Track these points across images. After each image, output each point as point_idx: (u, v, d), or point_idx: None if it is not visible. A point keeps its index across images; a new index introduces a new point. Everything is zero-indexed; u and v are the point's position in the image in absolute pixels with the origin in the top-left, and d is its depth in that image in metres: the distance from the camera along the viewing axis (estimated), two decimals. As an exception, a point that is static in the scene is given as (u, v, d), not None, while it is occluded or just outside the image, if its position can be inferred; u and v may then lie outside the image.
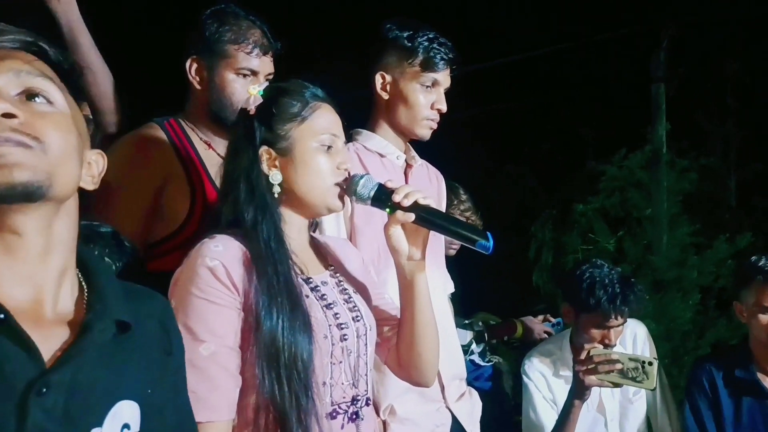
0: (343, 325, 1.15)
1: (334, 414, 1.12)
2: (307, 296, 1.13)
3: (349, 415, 1.14)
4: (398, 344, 1.29)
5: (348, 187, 1.19)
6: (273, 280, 1.07)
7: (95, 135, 1.63)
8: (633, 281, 2.09)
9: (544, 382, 2.19)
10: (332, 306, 1.16)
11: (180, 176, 1.56)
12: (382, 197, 1.18)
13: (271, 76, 1.65)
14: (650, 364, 1.86)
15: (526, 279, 4.95)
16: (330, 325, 1.13)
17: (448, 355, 1.72)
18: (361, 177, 1.19)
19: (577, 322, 2.14)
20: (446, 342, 1.72)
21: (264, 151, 1.16)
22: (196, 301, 1.05)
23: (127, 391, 0.75)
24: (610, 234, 4.54)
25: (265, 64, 1.64)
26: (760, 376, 2.08)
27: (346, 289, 1.24)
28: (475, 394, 1.85)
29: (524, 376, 2.22)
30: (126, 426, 0.73)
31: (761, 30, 4.93)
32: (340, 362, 1.14)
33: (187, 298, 1.06)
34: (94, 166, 0.82)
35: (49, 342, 0.71)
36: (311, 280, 1.18)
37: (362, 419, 1.17)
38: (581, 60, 5.57)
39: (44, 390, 0.66)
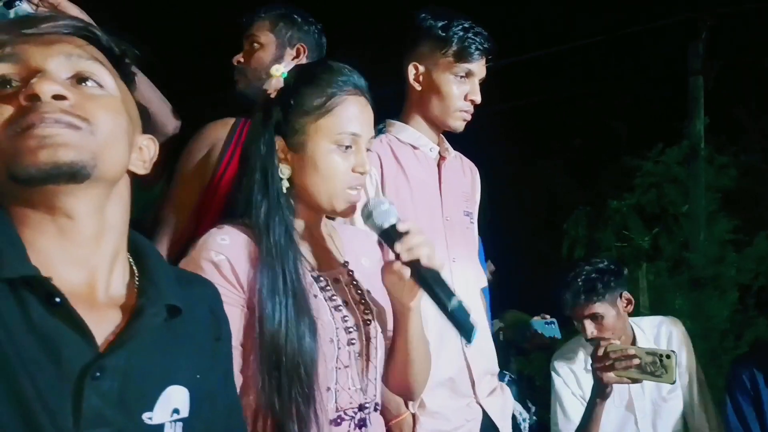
0: (351, 329, 1.09)
1: (339, 420, 1.06)
2: (316, 296, 1.07)
3: (356, 422, 1.08)
4: (388, 361, 1.20)
5: (364, 207, 1.09)
6: (279, 282, 1.01)
7: (157, 137, 1.67)
8: (591, 273, 2.09)
9: (573, 378, 2.16)
10: (341, 308, 1.09)
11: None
12: (391, 237, 1.06)
13: None
14: (668, 357, 1.79)
15: (558, 276, 4.89)
16: (337, 328, 1.07)
17: (479, 350, 1.69)
18: (382, 204, 1.08)
19: None
20: (478, 338, 1.72)
21: (276, 141, 1.09)
22: None
23: (178, 376, 0.75)
24: (646, 231, 4.47)
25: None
26: (803, 376, 2.02)
27: (360, 289, 1.16)
28: (507, 389, 1.83)
29: (553, 372, 2.19)
30: (176, 410, 0.74)
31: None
32: (347, 367, 1.08)
33: None
34: (146, 151, 0.82)
35: (102, 326, 0.71)
36: (321, 278, 1.10)
37: (370, 426, 1.11)
38: (615, 52, 5.47)
39: (98, 374, 0.67)
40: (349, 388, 1.08)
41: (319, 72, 1.11)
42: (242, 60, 1.74)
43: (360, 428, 1.09)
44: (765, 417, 2.03)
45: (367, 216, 1.08)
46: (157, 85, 1.63)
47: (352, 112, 1.09)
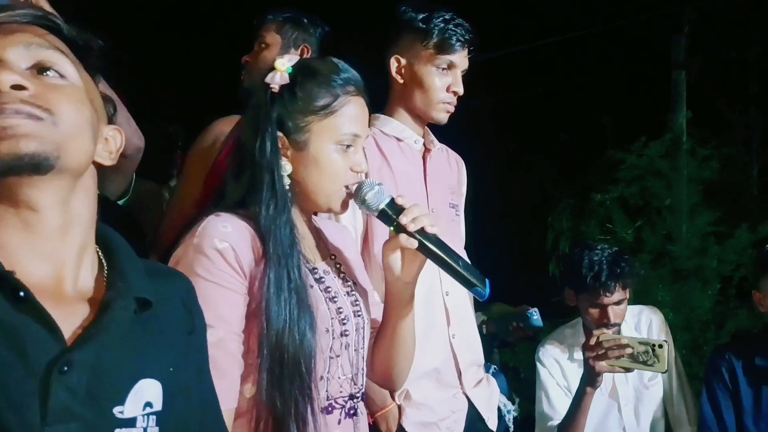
0: (344, 320, 1.12)
1: (330, 408, 1.09)
2: (312, 286, 1.10)
3: (346, 411, 1.12)
4: (374, 350, 1.24)
5: (356, 193, 1.12)
6: (284, 282, 1.04)
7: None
8: (625, 257, 2.08)
9: (558, 369, 2.18)
10: (335, 299, 1.13)
11: None
12: (390, 213, 1.10)
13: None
14: (660, 346, 1.83)
15: (543, 269, 4.93)
16: (332, 319, 1.10)
17: (465, 341, 1.72)
18: (373, 187, 1.12)
19: (578, 305, 2.14)
20: (464, 329, 1.73)
21: (278, 137, 1.10)
22: (204, 283, 1.00)
23: (150, 370, 0.74)
24: (629, 223, 4.50)
25: None
26: (780, 365, 2.05)
27: (347, 280, 1.20)
28: (493, 381, 1.85)
29: (538, 363, 2.21)
30: (148, 404, 0.74)
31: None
32: (338, 356, 1.11)
33: (193, 280, 0.98)
34: (112, 142, 0.81)
35: (70, 320, 0.70)
36: (316, 270, 1.14)
37: (360, 415, 1.15)
38: (601, 47, 5.50)
39: (66, 368, 0.66)
40: (339, 377, 1.11)
41: (325, 70, 1.12)
42: (249, 59, 1.85)
43: (350, 417, 1.12)
44: (742, 406, 2.06)
45: (362, 201, 1.11)
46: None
47: (354, 113, 1.12)
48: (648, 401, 2.18)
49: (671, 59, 4.80)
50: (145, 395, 0.74)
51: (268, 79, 1.11)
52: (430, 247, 1.09)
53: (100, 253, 0.80)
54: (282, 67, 1.11)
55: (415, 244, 1.08)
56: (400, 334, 1.19)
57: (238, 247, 1.04)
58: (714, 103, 5.45)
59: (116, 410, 0.71)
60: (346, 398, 1.12)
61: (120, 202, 1.85)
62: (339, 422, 1.10)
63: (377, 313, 1.25)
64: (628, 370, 1.91)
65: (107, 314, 0.72)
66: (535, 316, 2.79)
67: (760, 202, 5.33)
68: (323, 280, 1.14)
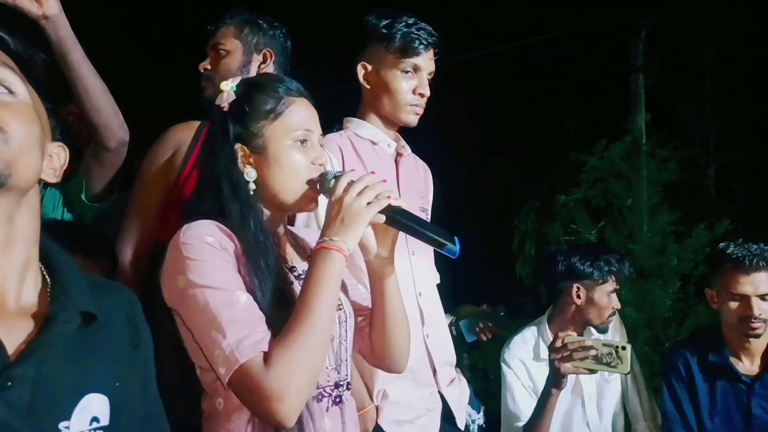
0: None
1: (320, 397, 1.16)
2: (292, 284, 1.16)
3: (333, 398, 1.18)
4: (371, 334, 1.30)
5: (321, 185, 1.18)
6: (264, 271, 1.10)
7: (100, 151, 1.68)
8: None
9: (524, 370, 2.21)
10: None
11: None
12: None
13: None
14: (623, 348, 1.88)
15: (510, 270, 4.99)
16: None
17: (437, 341, 1.75)
18: (335, 175, 1.18)
19: (590, 300, 2.21)
20: (437, 329, 1.77)
21: (238, 148, 1.17)
22: (209, 265, 1.06)
23: (95, 384, 0.74)
24: (592, 224, 4.60)
25: None
26: (732, 360, 2.11)
27: None
28: (464, 380, 1.88)
29: (503, 365, 2.24)
30: (95, 419, 0.73)
31: (737, 19, 4.99)
32: None
33: (198, 266, 1.05)
34: (56, 159, 0.81)
35: (13, 335, 0.70)
36: (294, 268, 1.20)
37: (345, 402, 1.21)
38: (562, 51, 5.61)
39: (8, 384, 0.66)
40: (326, 367, 1.17)
41: (266, 81, 1.23)
42: (209, 67, 1.77)
43: (337, 404, 1.19)
44: (698, 401, 2.12)
45: (327, 190, 1.17)
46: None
47: (301, 111, 1.20)
48: (609, 396, 2.23)
49: (629, 63, 4.92)
50: (92, 410, 0.73)
51: (217, 102, 1.21)
52: (397, 218, 1.16)
53: (43, 269, 0.80)
54: (227, 88, 1.21)
55: (382, 218, 1.15)
56: (390, 311, 1.25)
57: (222, 244, 1.09)
58: (672, 105, 5.60)
59: (62, 425, 0.70)
60: (332, 386, 1.18)
61: (97, 205, 1.79)
62: (327, 409, 1.16)
63: (367, 301, 1.32)
64: (591, 371, 1.94)
65: (50, 329, 0.72)
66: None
67: (717, 201, 5.48)
68: (302, 277, 1.18)
